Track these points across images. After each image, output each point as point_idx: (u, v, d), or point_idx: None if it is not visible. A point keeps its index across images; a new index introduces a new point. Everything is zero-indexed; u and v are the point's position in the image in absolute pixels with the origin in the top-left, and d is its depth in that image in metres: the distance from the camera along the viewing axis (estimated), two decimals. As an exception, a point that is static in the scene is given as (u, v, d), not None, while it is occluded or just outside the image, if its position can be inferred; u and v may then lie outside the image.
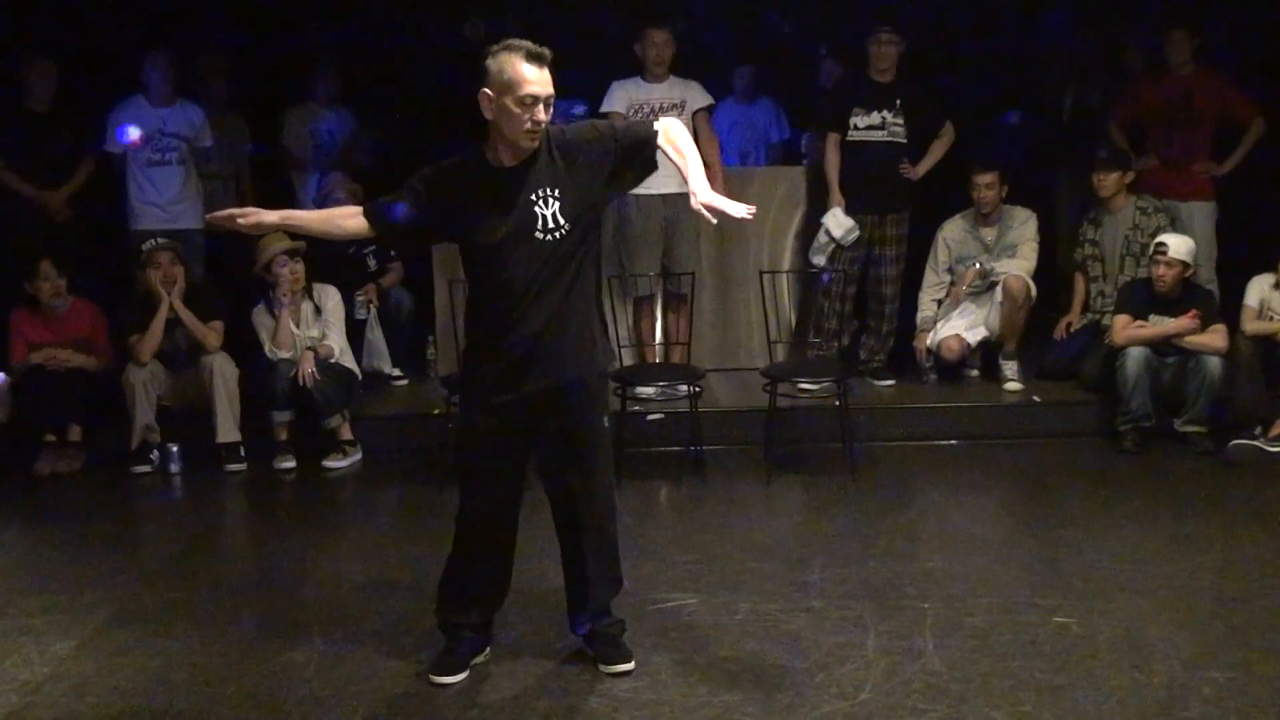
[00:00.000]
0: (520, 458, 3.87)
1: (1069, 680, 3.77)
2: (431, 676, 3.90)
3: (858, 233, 7.10)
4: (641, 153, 3.74)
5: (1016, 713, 3.57)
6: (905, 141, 7.17)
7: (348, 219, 3.87)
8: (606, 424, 3.93)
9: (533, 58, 3.56)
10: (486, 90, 3.59)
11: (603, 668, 3.92)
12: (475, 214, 3.68)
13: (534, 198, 3.64)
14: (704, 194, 3.59)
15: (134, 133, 7.02)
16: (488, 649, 4.04)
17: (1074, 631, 4.14)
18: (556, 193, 3.65)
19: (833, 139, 7.20)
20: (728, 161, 8.43)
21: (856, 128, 7.14)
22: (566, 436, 3.81)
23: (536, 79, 3.55)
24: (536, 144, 3.65)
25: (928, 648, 4.02)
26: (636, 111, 6.93)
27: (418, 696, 3.79)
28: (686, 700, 3.71)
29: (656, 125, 3.76)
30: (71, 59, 7.42)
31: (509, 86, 3.55)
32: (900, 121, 7.12)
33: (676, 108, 6.99)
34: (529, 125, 3.58)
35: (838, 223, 7.09)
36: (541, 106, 3.57)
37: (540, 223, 3.63)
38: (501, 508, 3.91)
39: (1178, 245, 6.49)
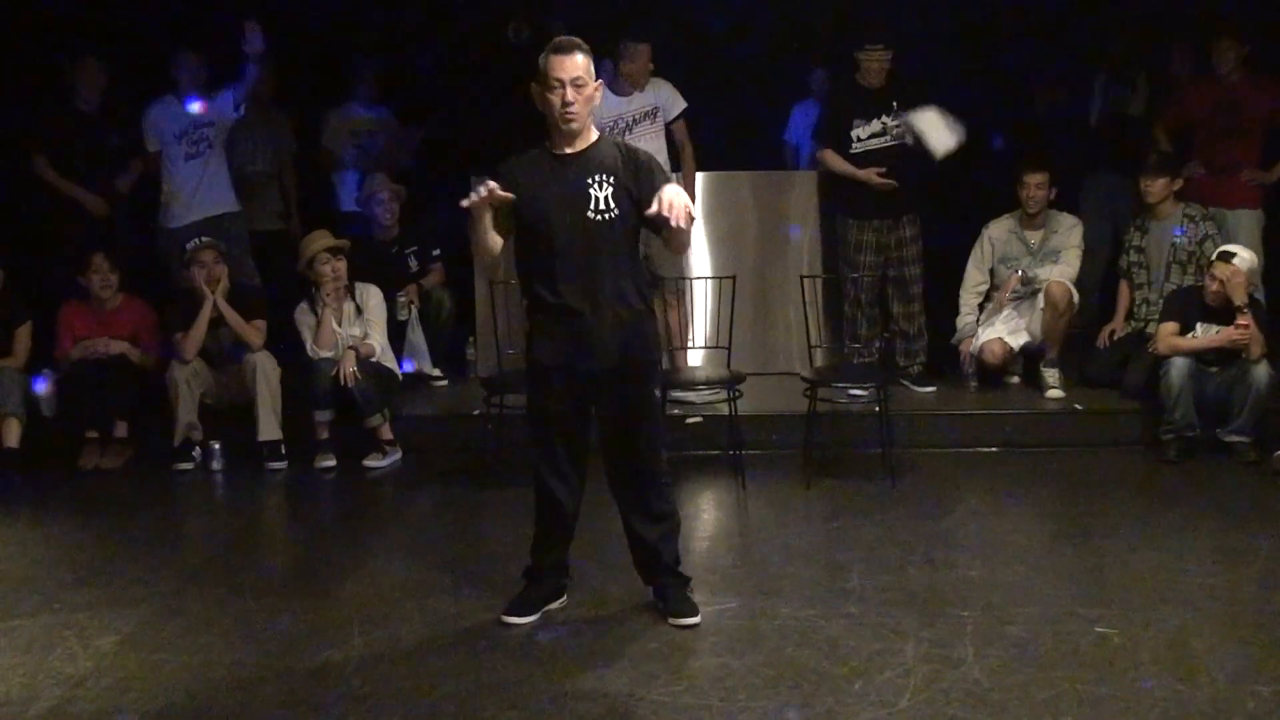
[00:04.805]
0: (584, 427, 4.24)
1: (1111, 691, 3.74)
2: (503, 617, 4.29)
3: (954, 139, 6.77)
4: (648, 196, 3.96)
5: (1057, 723, 3.55)
6: (909, 141, 7.06)
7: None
8: (658, 394, 4.35)
9: (557, 48, 3.95)
10: (533, 84, 3.98)
11: (671, 620, 4.26)
12: (534, 192, 4.03)
13: (589, 181, 3.98)
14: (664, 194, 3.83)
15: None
16: (564, 597, 4.46)
17: (1116, 642, 4.10)
18: (612, 180, 3.99)
19: (829, 152, 7.17)
20: (802, 164, 8.44)
21: (859, 139, 7.07)
22: (625, 409, 4.16)
23: (559, 65, 3.92)
24: (575, 127, 3.97)
25: (968, 656, 4.00)
26: (610, 128, 6.85)
27: (457, 696, 3.80)
28: (725, 705, 3.70)
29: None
30: (118, 58, 7.48)
31: (543, 77, 3.96)
32: (899, 122, 7.04)
33: (649, 117, 7.02)
34: (559, 107, 3.93)
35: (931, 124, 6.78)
36: (570, 89, 3.92)
37: (593, 204, 3.96)
38: (565, 476, 4.22)
39: (1244, 258, 6.36)
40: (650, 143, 6.84)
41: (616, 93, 6.98)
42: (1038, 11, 8.57)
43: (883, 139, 7.07)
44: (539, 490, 4.29)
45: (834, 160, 7.18)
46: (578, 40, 3.98)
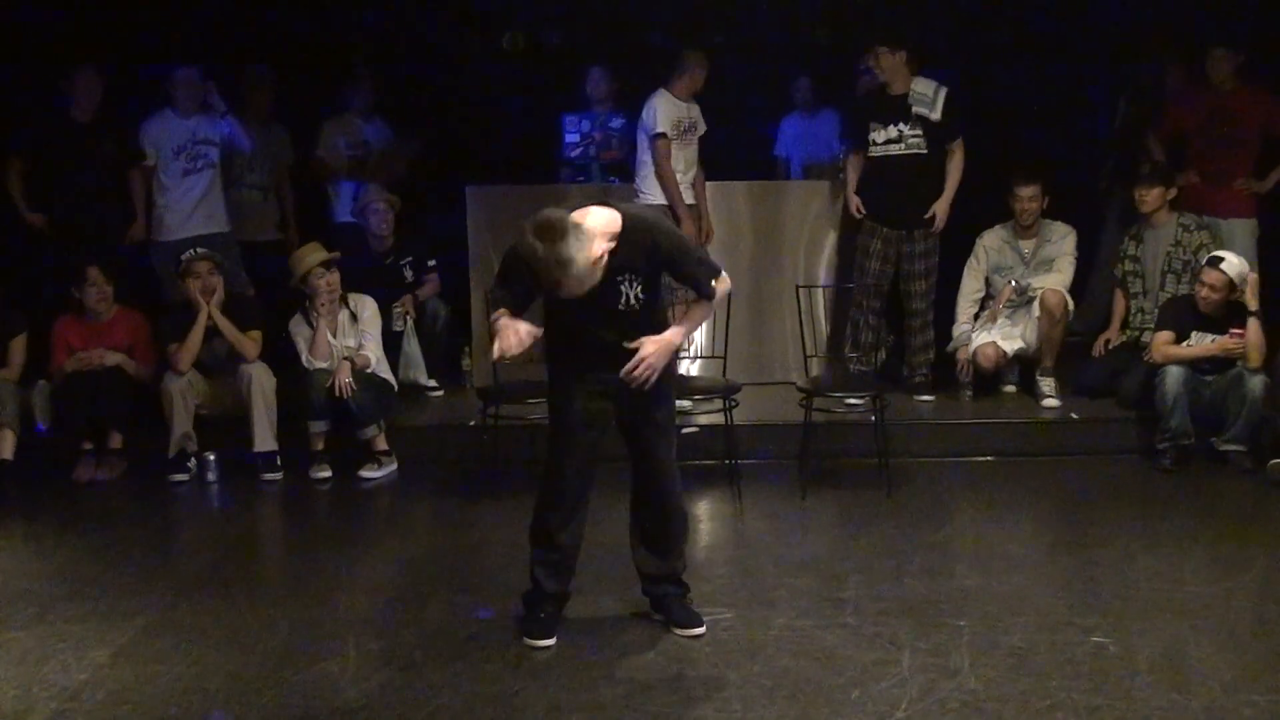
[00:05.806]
0: (598, 442, 4.25)
1: (1106, 701, 3.73)
2: (527, 640, 4.23)
3: None
4: (681, 279, 4.23)
5: (1054, 733, 3.54)
6: (926, 152, 7.04)
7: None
8: (674, 413, 4.40)
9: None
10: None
11: (677, 631, 4.29)
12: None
13: (620, 279, 4.03)
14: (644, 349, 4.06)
15: None
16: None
17: (1112, 652, 4.10)
18: (640, 279, 4.08)
19: (851, 158, 7.32)
20: (792, 174, 8.47)
21: (875, 143, 7.11)
22: (644, 426, 4.25)
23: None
24: None
25: (964, 666, 3.99)
26: (675, 127, 7.12)
27: (452, 707, 3.79)
28: (721, 716, 3.69)
29: (710, 291, 4.19)
30: (114, 70, 7.48)
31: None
32: (918, 133, 7.02)
33: (695, 127, 7.29)
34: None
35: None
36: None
37: (624, 299, 4.07)
38: (583, 479, 4.25)
39: (1232, 263, 6.38)
40: (693, 150, 7.20)
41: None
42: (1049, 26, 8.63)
43: (899, 145, 7.07)
44: (551, 503, 4.29)
45: (849, 168, 7.31)
46: None
